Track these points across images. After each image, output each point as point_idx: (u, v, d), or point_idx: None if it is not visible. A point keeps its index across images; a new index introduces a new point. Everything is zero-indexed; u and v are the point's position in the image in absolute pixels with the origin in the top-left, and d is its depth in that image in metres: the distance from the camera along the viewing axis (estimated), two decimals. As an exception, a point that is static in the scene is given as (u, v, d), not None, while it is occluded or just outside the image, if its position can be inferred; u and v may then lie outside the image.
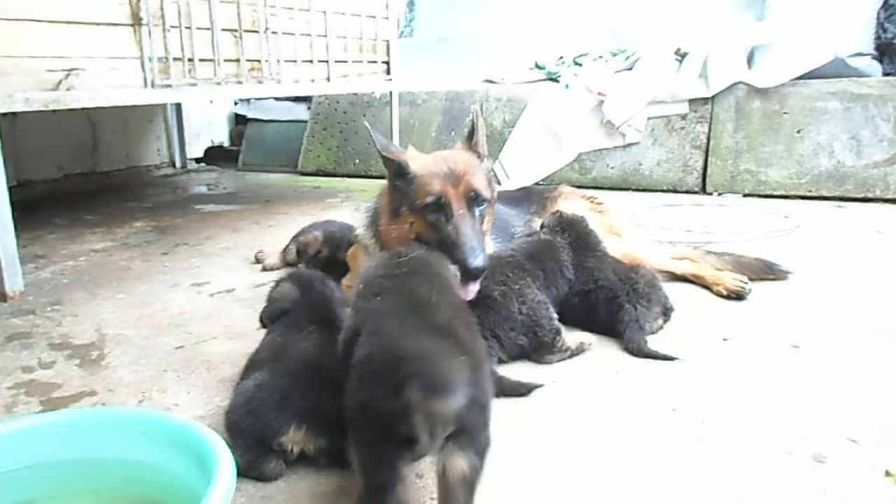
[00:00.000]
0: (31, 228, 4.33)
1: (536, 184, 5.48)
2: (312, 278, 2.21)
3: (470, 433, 1.36)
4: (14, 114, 3.09)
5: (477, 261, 2.21)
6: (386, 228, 2.48)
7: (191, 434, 1.37)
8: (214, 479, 1.16)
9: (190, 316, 2.84)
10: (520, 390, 2.09)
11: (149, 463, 1.42)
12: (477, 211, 2.37)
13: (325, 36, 4.79)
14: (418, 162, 2.45)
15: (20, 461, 1.47)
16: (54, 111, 3.25)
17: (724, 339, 2.51)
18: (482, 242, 2.31)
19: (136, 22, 3.49)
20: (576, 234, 2.76)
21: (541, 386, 2.10)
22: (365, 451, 1.37)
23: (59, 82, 3.19)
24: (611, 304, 2.52)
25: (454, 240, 2.26)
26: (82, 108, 3.72)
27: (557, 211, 2.92)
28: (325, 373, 1.68)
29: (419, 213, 2.35)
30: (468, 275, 2.21)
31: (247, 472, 1.61)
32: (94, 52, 3.34)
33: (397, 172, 2.42)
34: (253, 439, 1.63)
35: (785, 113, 5.21)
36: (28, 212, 4.63)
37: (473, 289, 2.27)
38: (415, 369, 1.27)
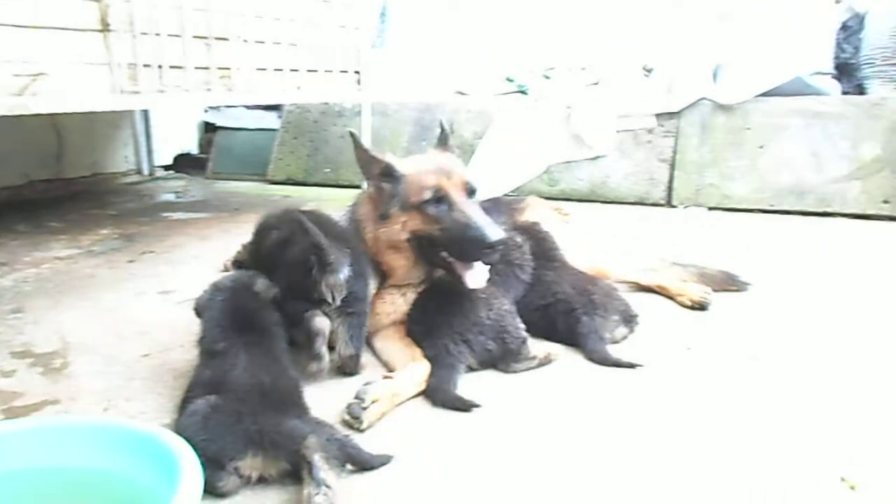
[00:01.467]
0: (-8, 235, 4.26)
1: (505, 195, 5.52)
2: (235, 282, 2.20)
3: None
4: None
5: (496, 233, 2.28)
6: (374, 233, 2.49)
7: (156, 443, 1.36)
8: (179, 487, 1.16)
9: (156, 324, 2.81)
10: (458, 405, 2.09)
11: (114, 472, 1.41)
12: (474, 199, 2.44)
13: (297, 45, 4.79)
14: (405, 163, 2.51)
15: (-21, 470, 1.44)
16: (18, 116, 3.20)
17: (688, 349, 2.57)
18: (490, 220, 2.36)
19: (105, 27, 3.46)
20: (533, 240, 2.81)
21: (479, 406, 2.08)
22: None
23: (25, 87, 3.15)
24: (568, 316, 2.56)
25: (465, 223, 2.32)
26: (48, 114, 3.66)
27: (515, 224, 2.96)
28: (270, 393, 1.72)
29: (416, 209, 2.39)
30: (487, 252, 2.29)
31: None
32: (61, 58, 3.30)
33: (385, 174, 2.46)
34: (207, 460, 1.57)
35: (748, 129, 5.34)
36: (-10, 218, 4.54)
37: (483, 274, 2.34)
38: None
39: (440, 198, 2.38)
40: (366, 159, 2.53)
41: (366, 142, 5.62)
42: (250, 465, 1.60)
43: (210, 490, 1.58)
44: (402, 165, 2.50)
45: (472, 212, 2.37)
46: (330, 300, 2.22)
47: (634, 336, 2.67)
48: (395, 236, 2.45)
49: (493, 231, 2.30)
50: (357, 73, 5.53)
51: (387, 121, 6.40)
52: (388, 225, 2.45)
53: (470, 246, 2.33)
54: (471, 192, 2.46)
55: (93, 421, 1.57)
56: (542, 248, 2.81)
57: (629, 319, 2.65)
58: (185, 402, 1.80)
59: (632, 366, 2.37)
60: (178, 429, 1.63)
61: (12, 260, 3.82)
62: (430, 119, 6.27)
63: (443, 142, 2.72)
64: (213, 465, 1.54)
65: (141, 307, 3.06)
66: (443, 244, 2.39)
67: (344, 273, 2.22)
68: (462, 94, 6.34)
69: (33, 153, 5.94)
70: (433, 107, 6.31)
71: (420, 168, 2.47)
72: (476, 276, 2.37)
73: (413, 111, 6.32)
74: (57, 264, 3.77)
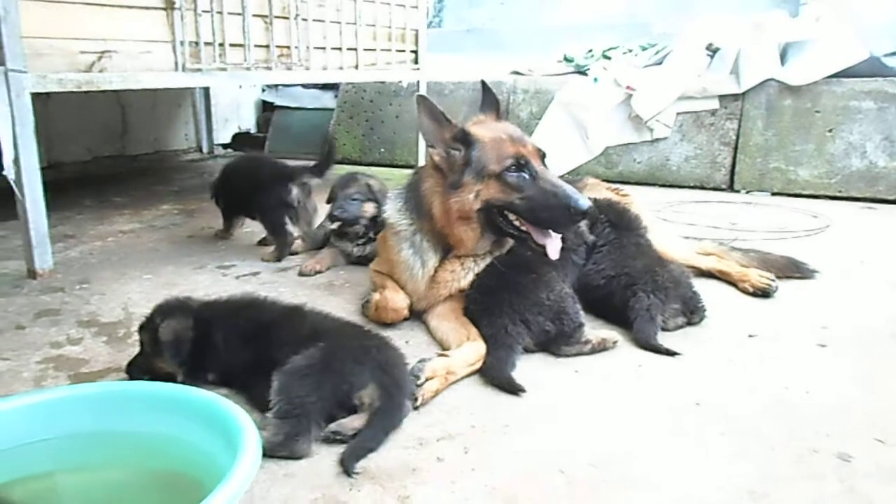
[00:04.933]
0: (60, 209, 4.39)
1: (561, 177, 5.44)
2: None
3: None
4: (47, 95, 3.13)
5: (584, 200, 2.26)
6: (445, 203, 2.41)
7: (218, 410, 1.38)
8: (240, 454, 1.17)
9: (215, 297, 2.86)
10: (509, 387, 2.06)
11: (175, 437, 1.44)
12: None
13: (355, 24, 4.79)
14: (476, 129, 2.43)
15: (46, 432, 1.49)
16: (87, 93, 3.29)
17: (750, 336, 2.49)
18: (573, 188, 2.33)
19: (169, 6, 3.52)
20: (614, 213, 2.77)
21: (525, 391, 2.04)
22: None
23: (93, 64, 3.23)
24: (626, 291, 2.51)
25: (552, 191, 2.29)
26: (113, 92, 3.76)
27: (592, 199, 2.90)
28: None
29: (494, 177, 2.33)
30: (576, 219, 2.29)
31: (275, 450, 1.63)
32: (127, 35, 3.38)
33: (458, 140, 2.38)
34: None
35: (817, 111, 5.13)
36: (58, 193, 4.67)
37: (559, 245, 2.32)
38: None
39: (522, 165, 2.33)
40: (437, 124, 2.41)
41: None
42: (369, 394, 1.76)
43: (288, 453, 1.65)
44: (476, 131, 2.43)
45: (556, 180, 2.33)
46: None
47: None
48: (468, 206, 2.37)
49: (582, 199, 2.26)
50: (414, 52, 5.52)
51: (442, 100, 6.36)
52: (459, 194, 2.37)
53: (557, 214, 2.28)
54: (545, 160, 2.42)
55: (157, 387, 1.60)
56: (623, 220, 2.78)
57: (693, 310, 2.56)
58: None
59: (671, 353, 2.31)
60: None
61: (79, 233, 3.95)
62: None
63: (493, 107, 2.65)
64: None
65: (200, 280, 3.12)
66: (523, 213, 2.34)
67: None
68: (519, 73, 6.25)
69: (99, 130, 6.13)
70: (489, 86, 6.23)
71: (495, 135, 2.40)
72: (555, 246, 2.33)
73: (469, 91, 6.27)
74: (121, 238, 3.89)
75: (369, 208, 3.22)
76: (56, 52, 3.08)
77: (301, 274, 3.20)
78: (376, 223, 3.12)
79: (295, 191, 3.40)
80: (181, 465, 1.43)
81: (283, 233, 3.42)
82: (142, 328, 2.08)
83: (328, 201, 3.34)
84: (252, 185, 3.50)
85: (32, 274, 3.07)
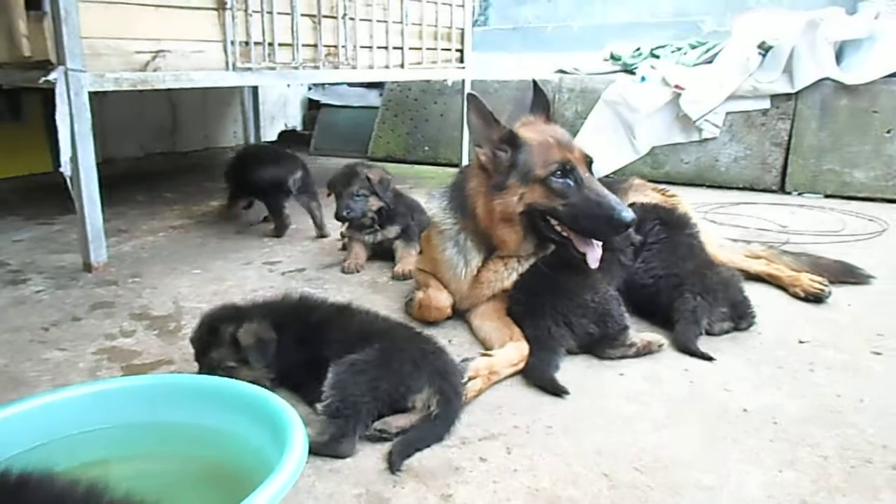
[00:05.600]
0: (114, 204, 4.49)
1: (607, 176, 5.39)
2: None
3: None
4: (103, 94, 3.23)
5: (627, 212, 2.24)
6: (489, 204, 2.40)
7: (266, 404, 1.41)
8: (288, 448, 1.19)
9: (262, 293, 2.90)
10: (552, 389, 2.05)
11: (224, 429, 1.47)
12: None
13: (402, 23, 4.82)
14: (523, 131, 2.42)
15: (102, 421, 1.54)
16: (141, 91, 3.37)
17: (801, 342, 2.43)
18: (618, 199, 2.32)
19: (221, 6, 3.58)
20: (664, 212, 2.75)
21: (569, 393, 2.03)
22: None
23: (147, 63, 3.31)
24: (673, 292, 2.48)
25: (596, 200, 2.27)
26: (165, 90, 3.85)
27: (633, 203, 2.87)
28: None
29: (539, 182, 2.32)
30: (619, 231, 2.29)
31: (320, 450, 1.65)
32: (180, 35, 3.45)
33: (505, 141, 2.37)
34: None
35: (875, 112, 4.97)
36: (111, 188, 4.81)
37: (598, 253, 2.31)
38: None
39: (567, 171, 2.31)
40: (485, 123, 2.40)
41: (465, 124, 5.68)
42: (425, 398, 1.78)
43: (332, 452, 1.67)
44: (523, 134, 2.41)
45: (600, 189, 2.31)
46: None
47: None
48: (511, 209, 2.36)
49: (626, 210, 2.25)
50: (459, 50, 5.53)
51: (487, 99, 6.25)
52: (503, 196, 2.36)
53: (600, 223, 2.27)
54: (590, 166, 2.40)
55: (207, 380, 1.64)
56: (673, 218, 2.75)
57: (742, 316, 2.50)
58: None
59: (706, 357, 2.27)
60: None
61: (132, 227, 4.05)
62: (530, 98, 6.16)
63: (543, 108, 2.63)
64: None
65: (248, 276, 3.18)
66: (565, 219, 2.32)
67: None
68: (564, 72, 6.20)
69: (151, 127, 6.28)
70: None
71: (543, 139, 2.38)
72: (595, 255, 2.31)
73: (514, 90, 6.25)
74: (171, 233, 3.98)
75: (374, 202, 3.28)
76: (113, 52, 3.17)
77: (344, 272, 3.24)
78: (381, 214, 3.32)
79: (292, 178, 3.82)
80: (229, 457, 1.46)
81: (281, 214, 3.89)
82: (207, 344, 1.97)
83: (329, 194, 3.39)
84: (256, 170, 3.93)
85: (88, 267, 3.16)
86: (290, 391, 1.97)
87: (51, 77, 2.89)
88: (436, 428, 1.76)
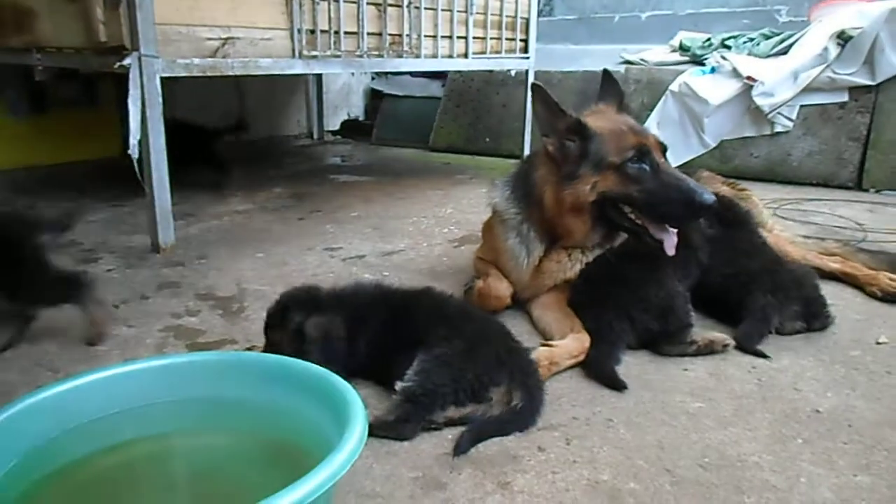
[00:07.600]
0: (181, 188, 4.62)
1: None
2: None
3: None
4: (174, 80, 3.31)
5: (708, 195, 2.19)
6: (558, 194, 2.36)
7: (329, 383, 1.41)
8: (349, 427, 1.19)
9: (322, 278, 2.94)
10: (611, 383, 2.01)
11: (285, 406, 1.48)
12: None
13: (466, 11, 4.79)
14: (593, 120, 2.38)
15: (168, 395, 1.57)
16: (210, 78, 3.44)
17: (878, 343, 2.32)
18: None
19: (288, -6, 3.63)
20: (725, 208, 2.63)
21: (627, 388, 1.98)
22: None
23: (217, 50, 3.37)
24: (741, 289, 2.39)
25: (675, 184, 2.23)
26: (233, 77, 3.91)
27: None
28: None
29: (613, 169, 2.28)
30: (700, 214, 2.26)
31: (382, 429, 1.67)
32: (249, 22, 3.50)
33: (573, 131, 2.34)
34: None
35: (962, 105, 4.71)
36: (179, 173, 4.95)
37: (675, 241, 2.26)
38: None
39: (643, 156, 2.27)
40: (551, 114, 2.37)
41: (529, 112, 5.62)
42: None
43: (395, 435, 1.68)
44: (592, 123, 2.37)
45: (677, 173, 2.27)
46: None
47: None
48: (582, 198, 2.32)
49: (707, 192, 2.19)
50: (524, 40, 5.47)
51: (551, 90, 6.21)
52: (574, 186, 2.32)
53: (679, 208, 2.22)
54: (664, 152, 2.35)
55: (270, 358, 1.65)
56: (730, 214, 2.65)
57: (815, 315, 2.38)
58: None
59: (762, 355, 2.18)
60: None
61: (199, 212, 4.15)
62: (594, 89, 6.03)
63: (615, 98, 2.59)
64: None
65: (309, 261, 3.21)
66: (641, 206, 2.27)
67: None
68: (630, 63, 6.07)
69: (218, 114, 6.41)
70: (599, 76, 6.08)
71: (614, 126, 2.34)
72: (671, 241, 2.26)
73: (578, 81, 6.15)
74: (235, 217, 4.06)
75: None
76: (184, 39, 3.24)
77: None
78: None
79: None
80: (289, 434, 1.47)
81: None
82: (272, 326, 1.96)
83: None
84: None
85: (156, 248, 3.25)
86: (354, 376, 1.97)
87: (125, 62, 2.97)
88: (516, 420, 1.75)
